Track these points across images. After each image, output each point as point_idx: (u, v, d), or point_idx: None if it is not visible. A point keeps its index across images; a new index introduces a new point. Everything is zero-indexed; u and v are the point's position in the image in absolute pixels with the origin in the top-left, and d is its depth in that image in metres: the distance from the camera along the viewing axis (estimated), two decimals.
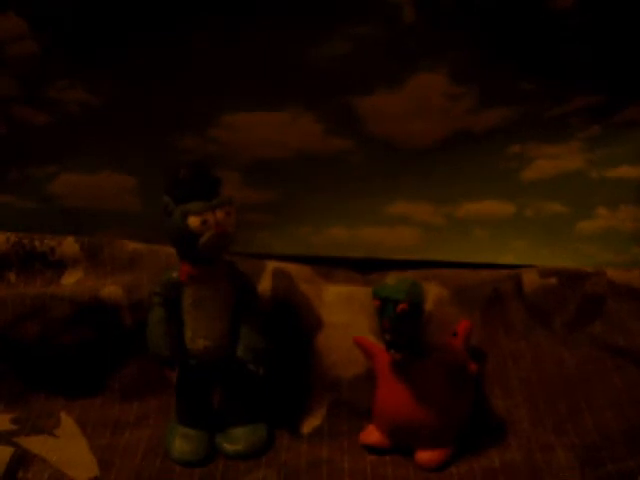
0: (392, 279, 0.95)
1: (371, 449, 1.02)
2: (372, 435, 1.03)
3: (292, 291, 1.16)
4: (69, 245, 1.21)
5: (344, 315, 1.15)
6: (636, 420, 1.01)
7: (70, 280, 1.20)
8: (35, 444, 1.03)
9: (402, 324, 0.94)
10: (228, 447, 1.03)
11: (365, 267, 1.26)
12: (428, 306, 0.95)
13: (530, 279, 1.17)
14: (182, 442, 1.03)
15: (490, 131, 1.37)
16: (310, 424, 1.09)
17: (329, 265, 1.25)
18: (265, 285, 1.15)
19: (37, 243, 1.21)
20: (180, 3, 1.30)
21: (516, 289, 1.17)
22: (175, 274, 1.00)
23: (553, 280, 1.17)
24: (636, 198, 1.40)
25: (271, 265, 1.19)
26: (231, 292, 1.02)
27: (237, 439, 1.04)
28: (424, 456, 0.99)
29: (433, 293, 0.96)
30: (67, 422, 1.10)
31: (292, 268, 1.20)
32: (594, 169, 1.40)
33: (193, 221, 0.93)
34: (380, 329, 0.97)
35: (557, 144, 1.39)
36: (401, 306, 0.92)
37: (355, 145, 1.39)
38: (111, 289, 1.15)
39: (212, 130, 1.39)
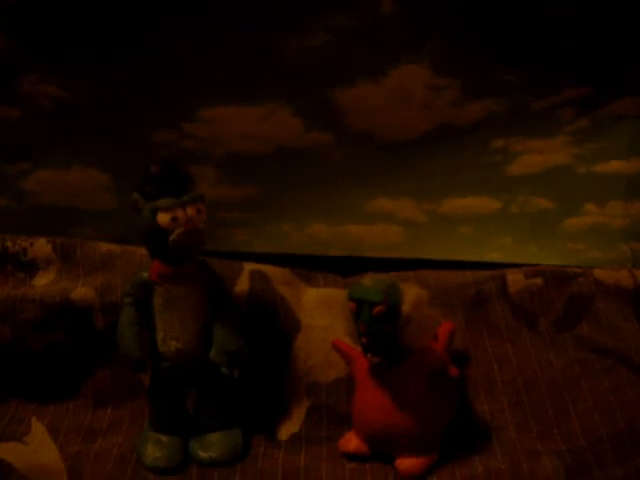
0: (368, 280, 0.93)
1: (350, 456, 0.99)
2: (351, 442, 1.00)
3: (270, 293, 1.13)
4: (41, 246, 1.18)
5: (323, 318, 1.12)
6: (624, 424, 0.99)
7: (42, 282, 1.16)
8: (4, 451, 1.00)
9: (379, 327, 0.91)
10: (202, 454, 1.00)
11: (346, 265, 1.23)
12: (406, 308, 0.91)
13: (515, 280, 1.14)
14: (155, 448, 1.00)
15: (474, 124, 1.35)
16: (288, 430, 1.06)
17: (309, 263, 1.22)
18: (242, 287, 1.12)
19: (9, 244, 1.17)
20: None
21: (501, 290, 1.14)
22: (146, 274, 0.98)
23: (538, 280, 1.14)
24: (625, 194, 1.38)
25: (249, 267, 1.16)
26: (203, 292, 0.99)
27: (211, 445, 1.00)
28: (404, 464, 0.95)
29: (411, 294, 0.92)
30: (38, 428, 1.07)
31: (270, 270, 1.16)
32: (582, 164, 1.38)
33: (163, 218, 0.91)
34: (357, 332, 0.94)
35: (543, 138, 1.37)
36: (378, 308, 0.89)
37: (335, 139, 1.37)
38: (83, 291, 1.12)
39: (188, 125, 1.37)
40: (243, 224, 1.42)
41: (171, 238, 0.91)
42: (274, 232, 1.43)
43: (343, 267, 1.22)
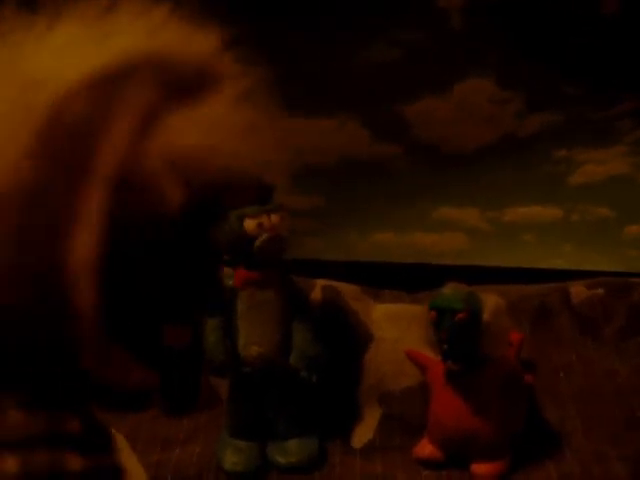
0: (448, 289, 0.94)
1: (426, 463, 1.01)
2: (426, 448, 1.01)
3: (341, 306, 1.15)
4: None
5: (393, 331, 1.14)
6: None
7: None
8: None
9: (460, 334, 0.93)
10: (280, 459, 1.02)
11: (412, 272, 1.25)
12: (486, 316, 0.93)
13: (578, 291, 1.16)
14: (233, 453, 1.02)
15: (537, 136, 1.37)
16: (362, 438, 1.07)
17: (376, 270, 1.24)
18: (315, 298, 1.15)
19: None
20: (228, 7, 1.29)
21: (564, 301, 1.16)
22: (230, 281, 1.00)
23: (600, 291, 1.15)
24: None
25: (320, 283, 1.18)
26: (285, 297, 1.01)
27: (290, 451, 1.02)
28: (480, 468, 0.97)
29: (491, 302, 0.94)
30: (117, 438, 1.08)
31: (341, 286, 1.19)
32: None
33: (249, 224, 0.94)
34: (437, 340, 0.96)
35: (604, 148, 1.37)
36: (460, 315, 0.91)
37: (402, 151, 1.39)
38: None
39: None
40: (311, 232, 1.44)
41: (256, 244, 0.94)
42: (341, 240, 1.44)
43: (409, 274, 1.24)
